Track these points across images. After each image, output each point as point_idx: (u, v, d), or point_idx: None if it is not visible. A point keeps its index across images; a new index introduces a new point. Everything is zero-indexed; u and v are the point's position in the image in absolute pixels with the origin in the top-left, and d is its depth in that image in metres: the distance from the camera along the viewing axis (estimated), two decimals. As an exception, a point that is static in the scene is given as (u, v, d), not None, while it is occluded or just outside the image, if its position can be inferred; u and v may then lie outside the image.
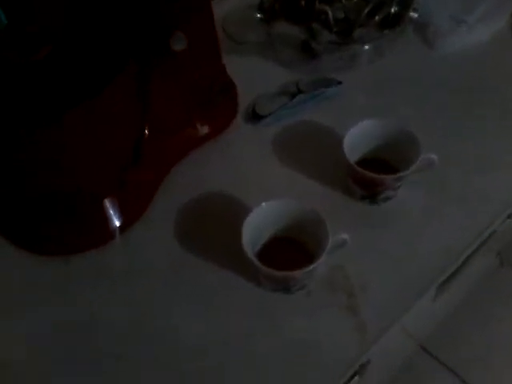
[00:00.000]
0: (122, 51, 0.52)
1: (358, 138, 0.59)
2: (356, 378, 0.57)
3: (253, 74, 0.73)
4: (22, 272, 0.56)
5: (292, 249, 0.55)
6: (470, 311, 1.09)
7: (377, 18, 0.75)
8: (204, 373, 0.50)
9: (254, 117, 0.69)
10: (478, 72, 0.74)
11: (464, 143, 0.66)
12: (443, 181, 0.62)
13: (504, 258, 1.13)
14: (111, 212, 0.57)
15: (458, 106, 0.70)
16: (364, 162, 0.60)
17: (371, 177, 0.56)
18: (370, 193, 0.59)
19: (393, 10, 0.76)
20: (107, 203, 0.57)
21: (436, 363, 1.07)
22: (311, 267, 0.49)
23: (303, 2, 0.76)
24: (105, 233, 0.58)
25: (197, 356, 0.51)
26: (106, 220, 0.57)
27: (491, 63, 0.75)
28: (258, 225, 0.53)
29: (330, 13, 0.75)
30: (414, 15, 0.80)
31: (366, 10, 0.75)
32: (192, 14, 0.57)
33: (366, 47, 0.75)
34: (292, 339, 0.51)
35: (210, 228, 0.59)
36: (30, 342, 0.52)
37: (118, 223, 0.58)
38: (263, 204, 0.53)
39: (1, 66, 0.47)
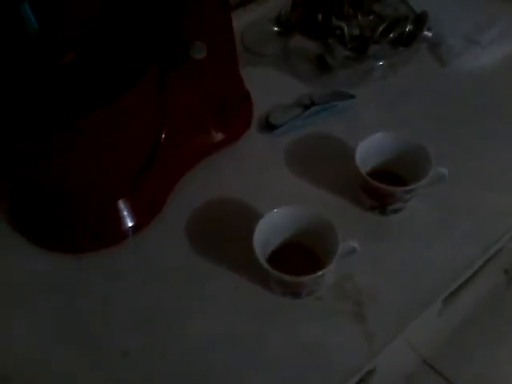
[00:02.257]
0: (143, 57, 0.53)
1: (369, 149, 0.60)
2: (361, 385, 0.57)
3: (268, 86, 0.75)
4: (35, 269, 0.57)
5: (302, 255, 0.56)
6: (475, 327, 1.08)
7: (391, 35, 0.77)
8: (213, 373, 0.50)
9: (268, 126, 0.70)
10: (490, 90, 0.75)
11: (475, 158, 0.67)
12: (453, 195, 0.62)
13: (511, 275, 1.12)
14: (125, 213, 0.59)
15: (470, 122, 0.71)
16: (375, 173, 0.61)
17: (382, 188, 0.57)
18: (380, 204, 0.60)
19: (407, 29, 0.78)
20: (121, 204, 0.58)
21: (438, 378, 1.06)
22: (320, 273, 0.50)
23: (320, 17, 0.78)
24: (118, 233, 0.59)
25: (207, 357, 0.51)
26: (120, 220, 0.59)
27: (504, 82, 0.76)
28: (269, 230, 0.53)
29: (345, 29, 0.77)
30: (428, 34, 0.82)
31: (381, 28, 0.77)
32: (213, 24, 0.59)
33: (380, 63, 0.77)
34: (300, 343, 0.52)
35: (222, 232, 0.60)
36: (43, 338, 0.53)
37: (131, 224, 0.59)
38: (275, 210, 0.54)
39: (28, 71, 0.48)
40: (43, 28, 0.44)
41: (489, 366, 1.08)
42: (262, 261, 0.50)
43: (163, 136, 0.60)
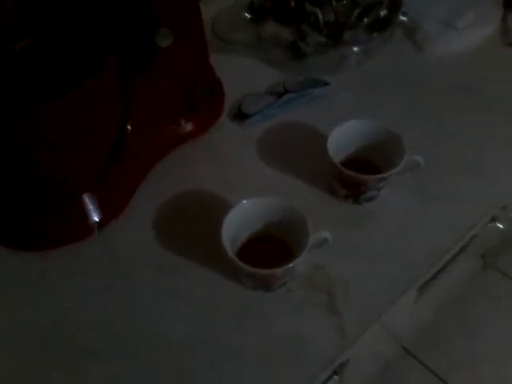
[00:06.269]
0: (104, 45, 0.51)
1: (342, 137, 0.59)
2: (336, 377, 0.56)
3: (241, 74, 0.73)
4: (-1, 267, 0.56)
5: (273, 247, 0.54)
6: (453, 313, 1.09)
7: (366, 20, 0.76)
8: (186, 370, 0.49)
9: (240, 116, 0.69)
10: (466, 75, 0.74)
11: (449, 145, 0.66)
12: (427, 182, 0.61)
13: (488, 260, 1.13)
14: (90, 207, 0.57)
15: (445, 109, 0.70)
16: (349, 162, 0.59)
17: (354, 176, 0.56)
18: (354, 192, 0.59)
19: (382, 14, 0.77)
20: (86, 198, 0.57)
21: (418, 364, 1.07)
22: (291, 265, 0.49)
23: (293, 3, 0.76)
24: (83, 228, 0.57)
25: (179, 354, 0.50)
26: (85, 215, 0.57)
27: (479, 67, 0.76)
28: (239, 222, 0.52)
29: (319, 14, 0.75)
30: (404, 19, 0.81)
31: (356, 13, 0.75)
32: (179, 9, 0.57)
33: (355, 49, 0.75)
34: (272, 337, 0.50)
35: (192, 225, 0.58)
36: (5, 340, 0.51)
37: (97, 218, 0.57)
38: (244, 201, 0.52)
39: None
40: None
41: (466, 351, 1.08)
42: (230, 253, 0.49)
43: (129, 127, 0.58)
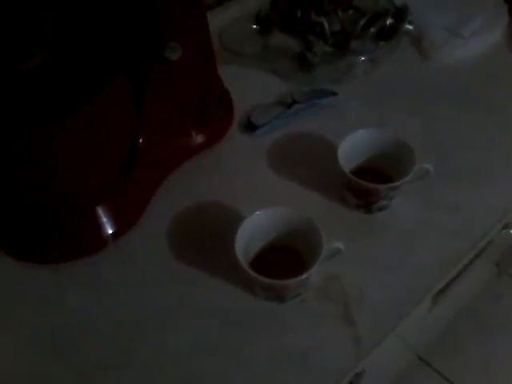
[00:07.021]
0: (116, 60, 0.52)
1: (353, 147, 0.59)
2: (351, 388, 0.56)
3: (249, 85, 0.74)
4: (11, 280, 0.56)
5: (286, 257, 0.54)
6: (467, 321, 1.08)
7: (372, 29, 0.76)
8: (196, 379, 0.49)
9: (250, 127, 0.69)
10: (473, 83, 0.75)
11: (459, 153, 0.66)
12: (438, 191, 0.61)
13: (502, 268, 1.12)
14: (104, 219, 0.57)
15: (453, 117, 0.70)
16: (359, 171, 0.59)
17: (365, 186, 0.56)
18: (365, 202, 0.59)
19: (388, 23, 0.77)
20: (100, 211, 0.57)
21: (433, 372, 1.06)
22: (304, 276, 0.49)
23: (299, 14, 0.77)
24: (97, 241, 0.57)
25: (193, 366, 0.50)
26: (99, 228, 0.57)
27: (486, 75, 0.76)
28: (252, 233, 0.52)
29: (325, 24, 0.76)
30: (410, 28, 0.81)
31: (362, 22, 0.76)
32: (187, 23, 0.58)
33: (362, 58, 0.76)
34: (286, 348, 0.50)
35: (204, 237, 0.58)
36: (18, 352, 0.51)
37: (110, 231, 0.57)
38: (257, 212, 0.53)
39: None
40: (3, 30, 0.42)
41: (480, 359, 1.08)
42: (244, 264, 0.49)
43: (141, 140, 0.58)
